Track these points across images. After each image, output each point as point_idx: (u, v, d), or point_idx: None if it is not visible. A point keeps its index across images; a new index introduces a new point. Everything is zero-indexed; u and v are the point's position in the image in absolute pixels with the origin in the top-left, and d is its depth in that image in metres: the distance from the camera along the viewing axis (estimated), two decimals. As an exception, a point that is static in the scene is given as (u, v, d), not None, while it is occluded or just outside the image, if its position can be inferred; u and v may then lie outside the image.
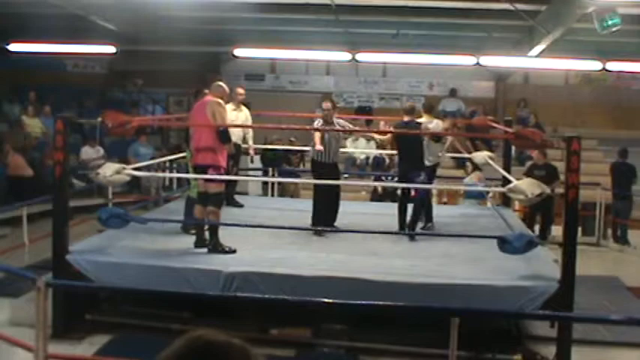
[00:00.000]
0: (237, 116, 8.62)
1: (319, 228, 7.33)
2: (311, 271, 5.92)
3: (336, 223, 7.68)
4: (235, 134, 8.59)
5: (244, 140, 9.15)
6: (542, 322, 6.17)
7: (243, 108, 8.89)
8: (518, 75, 16.25)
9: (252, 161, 10.32)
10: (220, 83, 7.03)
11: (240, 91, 8.84)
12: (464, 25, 12.34)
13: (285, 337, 6.10)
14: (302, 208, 9.05)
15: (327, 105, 7.75)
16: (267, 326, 6.12)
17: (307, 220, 8.07)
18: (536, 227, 9.76)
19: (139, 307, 6.10)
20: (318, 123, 7.73)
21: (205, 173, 6.57)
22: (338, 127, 7.68)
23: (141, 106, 16.04)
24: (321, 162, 7.65)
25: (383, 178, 13.14)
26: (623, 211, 11.19)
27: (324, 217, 7.51)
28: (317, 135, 7.48)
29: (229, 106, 8.55)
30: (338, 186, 7.86)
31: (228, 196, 8.53)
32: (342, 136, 7.99)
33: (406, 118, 7.95)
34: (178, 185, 12.57)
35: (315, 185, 7.93)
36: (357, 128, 8.52)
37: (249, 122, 9.04)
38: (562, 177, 6.02)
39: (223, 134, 6.57)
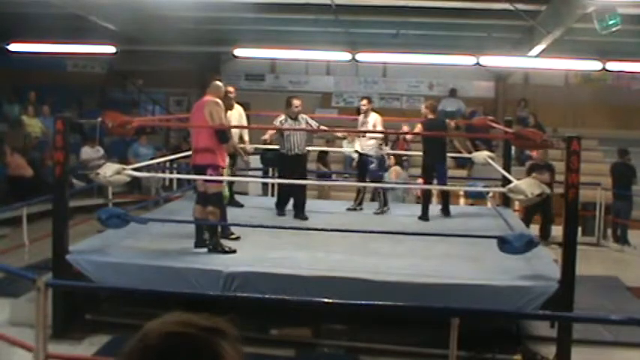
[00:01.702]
0: (230, 115, 8.59)
1: (320, 228, 7.33)
2: (311, 271, 5.92)
3: (336, 223, 7.69)
4: (232, 134, 8.60)
5: (241, 139, 9.14)
6: (542, 322, 6.17)
7: (237, 106, 8.86)
8: (518, 75, 16.25)
9: (247, 163, 10.30)
10: (218, 83, 6.98)
11: (230, 89, 8.80)
12: (464, 25, 12.34)
13: (285, 337, 6.10)
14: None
15: (298, 102, 8.50)
16: (267, 326, 6.12)
17: (309, 220, 8.10)
18: (534, 227, 9.73)
19: (139, 307, 6.09)
20: (281, 118, 8.49)
21: (204, 173, 6.56)
22: (303, 124, 8.42)
23: (141, 106, 16.04)
24: (284, 154, 8.44)
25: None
26: (623, 211, 11.19)
27: (284, 203, 8.60)
28: (269, 132, 8.54)
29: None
30: (304, 177, 8.76)
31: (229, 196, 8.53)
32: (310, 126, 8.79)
33: (431, 116, 8.91)
34: (178, 185, 12.57)
35: (280, 176, 8.77)
36: (323, 128, 9.18)
37: (244, 120, 9.02)
38: (561, 177, 6.02)
39: (221, 134, 6.56)
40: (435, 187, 9.07)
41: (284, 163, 8.53)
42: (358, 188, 9.44)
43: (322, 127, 9.04)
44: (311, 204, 9.65)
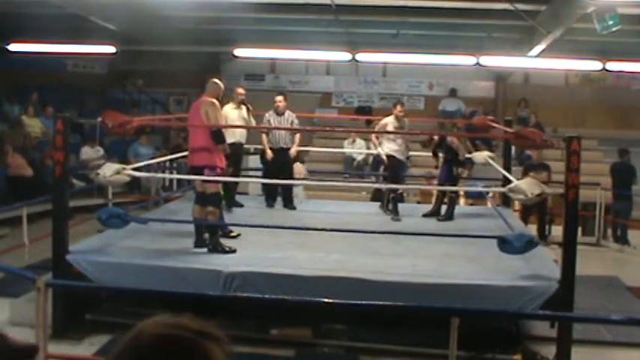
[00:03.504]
0: (237, 115, 8.58)
1: (320, 228, 7.33)
2: (311, 271, 5.92)
3: (336, 223, 7.69)
4: (238, 133, 8.57)
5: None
6: (542, 322, 6.17)
7: (244, 107, 8.81)
8: (518, 75, 16.25)
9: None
10: (216, 81, 6.95)
11: (240, 90, 8.81)
12: (464, 25, 12.34)
13: (285, 337, 6.10)
14: (302, 209, 9.09)
15: (279, 98, 9.00)
16: (267, 326, 6.12)
17: (309, 220, 8.10)
18: (531, 227, 9.72)
19: (139, 307, 6.09)
20: (269, 115, 8.95)
21: (201, 174, 6.57)
22: (289, 120, 8.95)
23: (141, 106, 16.03)
24: (271, 149, 8.94)
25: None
26: (623, 211, 11.18)
27: (274, 196, 9.20)
28: (265, 139, 8.97)
29: (229, 106, 8.53)
30: (290, 169, 9.22)
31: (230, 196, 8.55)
32: (293, 125, 9.13)
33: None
34: (178, 185, 12.57)
35: (267, 168, 9.13)
36: (302, 128, 9.71)
37: (251, 121, 8.95)
38: (562, 177, 6.02)
39: (216, 135, 6.55)
40: (435, 188, 9.06)
41: (271, 156, 8.97)
42: (383, 190, 9.27)
43: (298, 127, 9.51)
44: (312, 204, 9.67)
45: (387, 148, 8.81)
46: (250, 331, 5.94)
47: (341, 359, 6.04)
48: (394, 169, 8.90)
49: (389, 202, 8.98)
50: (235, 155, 8.36)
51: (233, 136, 8.35)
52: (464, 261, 6.44)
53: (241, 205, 8.99)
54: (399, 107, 8.83)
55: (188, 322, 1.14)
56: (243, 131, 8.82)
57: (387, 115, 8.99)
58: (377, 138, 9.27)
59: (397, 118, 8.76)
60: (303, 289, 5.61)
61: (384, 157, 8.94)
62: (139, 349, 1.10)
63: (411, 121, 9.73)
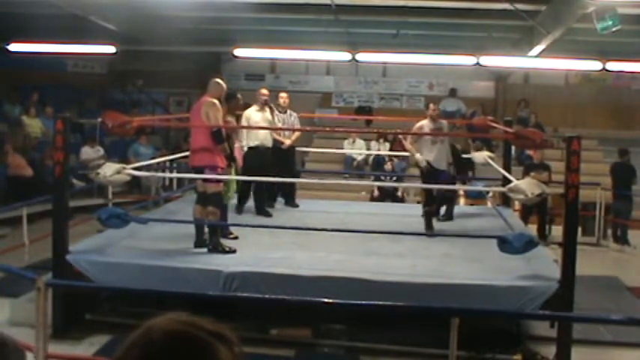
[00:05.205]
0: (261, 117, 8.40)
1: (320, 228, 7.33)
2: (311, 271, 5.92)
3: (336, 223, 7.71)
4: (261, 136, 8.34)
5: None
6: (542, 322, 6.18)
7: (268, 109, 8.63)
8: (518, 75, 16.25)
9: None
10: (218, 81, 6.91)
11: (264, 91, 8.56)
12: (464, 25, 12.34)
13: (285, 337, 6.10)
14: (302, 209, 9.09)
15: (284, 95, 9.20)
16: (267, 326, 6.12)
17: (309, 220, 8.10)
18: (531, 227, 9.72)
19: (139, 307, 6.09)
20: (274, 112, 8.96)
21: (202, 174, 6.57)
22: (292, 118, 9.12)
23: (141, 106, 16.04)
24: (275, 147, 8.81)
25: (382, 178, 13.16)
26: (623, 211, 11.18)
27: (275, 196, 9.24)
28: (274, 134, 8.85)
29: (253, 108, 8.41)
30: (293, 167, 9.37)
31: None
32: (295, 123, 9.17)
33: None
34: (178, 185, 12.57)
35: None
36: (302, 127, 9.69)
37: (275, 124, 8.77)
38: (562, 177, 6.02)
39: (216, 135, 6.54)
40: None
41: (275, 154, 8.84)
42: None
43: (306, 127, 9.73)
44: (313, 204, 9.68)
45: (425, 154, 8.04)
46: (250, 331, 5.94)
47: (341, 359, 6.04)
48: (426, 178, 8.05)
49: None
50: (261, 159, 8.19)
51: (256, 139, 8.27)
52: (464, 261, 6.45)
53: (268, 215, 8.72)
54: (432, 106, 8.16)
55: (202, 321, 1.14)
56: (267, 134, 8.44)
57: (423, 118, 8.21)
58: (414, 144, 8.31)
59: (432, 119, 8.07)
60: (303, 289, 5.61)
61: (423, 165, 8.03)
62: (150, 345, 1.10)
63: (410, 122, 9.65)
